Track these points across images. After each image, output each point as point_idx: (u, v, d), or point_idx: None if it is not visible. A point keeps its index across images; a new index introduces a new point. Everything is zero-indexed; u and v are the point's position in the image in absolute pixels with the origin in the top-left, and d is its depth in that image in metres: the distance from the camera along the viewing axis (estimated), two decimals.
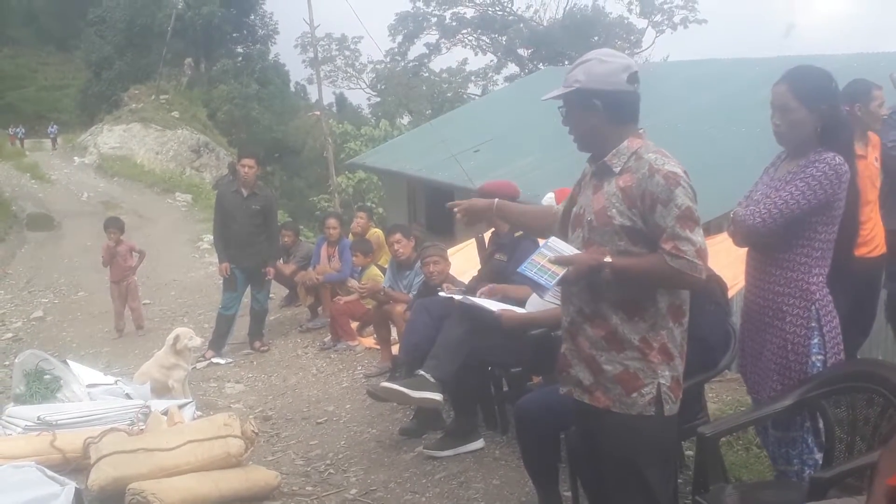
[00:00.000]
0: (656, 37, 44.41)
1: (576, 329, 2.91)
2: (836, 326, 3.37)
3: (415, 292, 6.98)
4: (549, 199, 4.98)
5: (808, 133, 3.34)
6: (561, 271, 2.77)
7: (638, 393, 2.77)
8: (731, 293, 5.00)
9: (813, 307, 3.32)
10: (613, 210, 2.77)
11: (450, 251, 7.30)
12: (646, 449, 2.82)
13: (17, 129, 42.80)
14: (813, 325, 3.32)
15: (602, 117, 2.82)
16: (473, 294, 5.26)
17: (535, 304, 4.92)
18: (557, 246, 2.85)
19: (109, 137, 32.01)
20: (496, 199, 3.44)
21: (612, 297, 2.78)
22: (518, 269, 2.85)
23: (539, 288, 2.81)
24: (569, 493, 4.08)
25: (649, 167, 2.71)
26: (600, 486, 3.05)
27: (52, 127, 42.31)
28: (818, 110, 3.31)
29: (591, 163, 2.96)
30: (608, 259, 2.72)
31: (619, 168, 2.80)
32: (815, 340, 3.33)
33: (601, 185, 2.86)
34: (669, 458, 2.99)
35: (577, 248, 2.85)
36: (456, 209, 3.49)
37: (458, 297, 5.20)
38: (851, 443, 3.20)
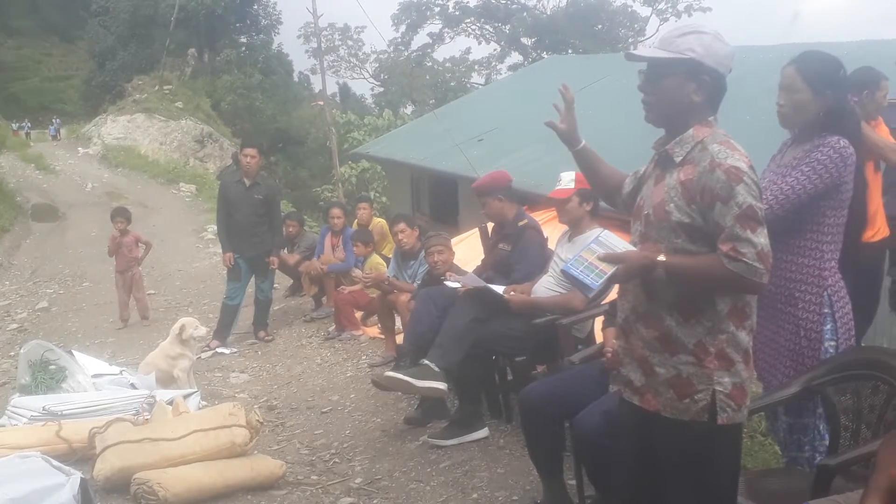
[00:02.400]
0: (660, 25, 44.31)
1: (629, 327, 2.73)
2: (848, 312, 3.37)
3: (419, 282, 6.97)
4: (568, 174, 4.91)
5: (810, 116, 3.33)
6: (609, 269, 2.60)
7: (690, 399, 2.57)
8: None
9: (825, 293, 3.32)
10: (672, 205, 2.58)
11: (453, 241, 7.29)
12: (700, 458, 2.61)
13: (23, 124, 42.71)
14: (826, 311, 3.32)
15: (703, 96, 2.63)
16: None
17: (541, 294, 4.92)
18: (610, 241, 2.68)
19: (113, 128, 32.02)
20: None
21: (667, 297, 2.60)
22: (563, 268, 2.66)
23: (585, 287, 2.65)
24: (573, 482, 4.08)
25: (711, 160, 2.51)
26: (644, 491, 2.83)
27: (54, 124, 41.85)
28: (823, 95, 3.30)
29: (657, 148, 2.76)
30: (661, 258, 2.53)
31: (680, 158, 2.62)
32: (828, 326, 3.33)
33: (663, 176, 2.67)
34: (732, 470, 2.73)
35: (633, 243, 2.71)
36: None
37: (462, 282, 5.19)
38: (857, 430, 3.20)
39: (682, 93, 2.62)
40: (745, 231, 2.45)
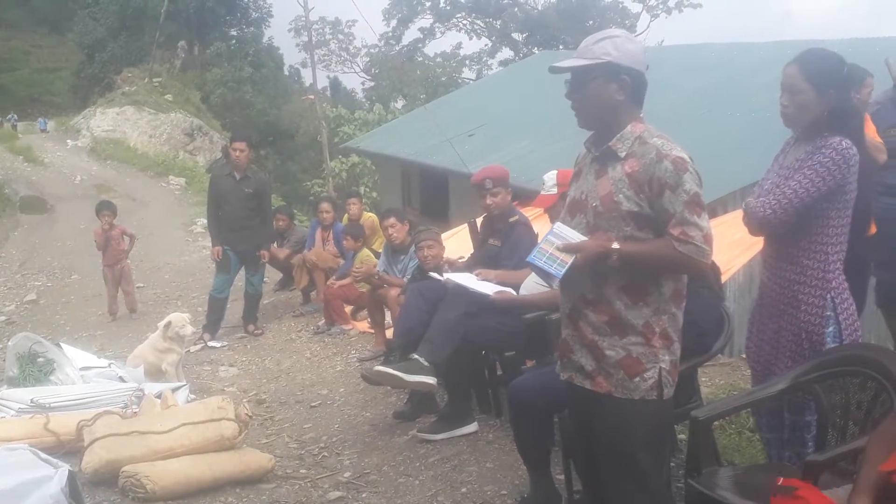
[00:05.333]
0: (651, 21, 44.40)
1: (578, 315, 2.89)
2: (852, 314, 3.37)
3: (409, 276, 6.97)
4: (550, 177, 4.93)
5: (815, 116, 3.32)
6: (569, 259, 2.74)
7: (640, 377, 2.78)
8: (724, 278, 5.00)
9: (828, 295, 3.32)
10: (621, 196, 2.75)
11: (443, 235, 7.28)
12: (643, 433, 2.83)
13: (11, 116, 42.47)
14: (828, 313, 3.32)
15: (626, 94, 2.81)
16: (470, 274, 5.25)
17: (530, 287, 4.92)
18: (563, 232, 2.81)
19: (102, 120, 31.86)
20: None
21: (618, 282, 2.77)
22: (527, 259, 2.81)
23: (549, 277, 2.79)
24: (562, 476, 4.09)
25: (657, 152, 2.71)
26: (595, 472, 3.05)
27: (43, 120, 41.38)
28: (827, 94, 3.29)
29: (592, 147, 2.93)
30: (616, 245, 2.71)
31: (624, 153, 2.79)
32: (831, 329, 3.33)
33: (604, 170, 2.84)
34: (664, 442, 3.01)
35: (581, 234, 2.82)
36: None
37: (449, 277, 5.19)
38: (844, 427, 3.21)
39: (606, 94, 2.81)
40: (692, 216, 2.67)
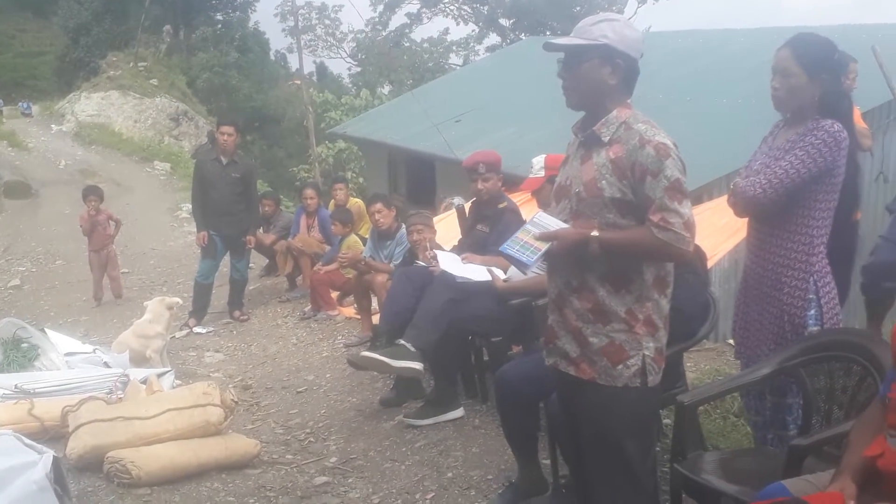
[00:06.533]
0: (638, 7, 44.21)
1: (563, 301, 2.88)
2: (834, 297, 3.40)
3: (397, 261, 6.96)
4: (538, 160, 4.93)
5: (806, 100, 3.33)
6: (544, 247, 2.74)
7: (623, 365, 2.77)
8: (709, 264, 5.02)
9: (811, 278, 3.34)
10: (604, 182, 2.73)
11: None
12: (628, 420, 2.83)
13: None
14: (811, 296, 3.35)
15: (618, 79, 2.78)
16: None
17: (517, 273, 4.92)
18: (544, 221, 2.80)
19: (87, 105, 31.56)
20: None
21: (599, 269, 2.76)
22: (500, 248, 2.81)
23: (521, 265, 2.80)
24: (548, 461, 4.10)
25: (640, 138, 2.69)
26: (580, 459, 3.05)
27: (26, 103, 40.93)
28: (819, 78, 3.30)
29: (578, 132, 2.92)
30: (595, 233, 2.69)
31: (607, 138, 2.77)
32: (812, 312, 3.35)
33: (590, 155, 2.82)
34: (650, 429, 3.00)
35: (563, 220, 2.82)
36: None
37: (441, 266, 5.18)
38: (829, 411, 3.23)
39: (598, 76, 2.79)
40: (672, 202, 2.64)
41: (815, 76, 3.30)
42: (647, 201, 2.67)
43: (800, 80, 3.31)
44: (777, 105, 3.45)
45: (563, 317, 2.89)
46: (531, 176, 4.90)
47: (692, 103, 13.06)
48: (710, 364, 5.71)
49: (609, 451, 2.85)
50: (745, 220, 3.60)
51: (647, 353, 2.78)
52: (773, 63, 3.39)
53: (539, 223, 2.79)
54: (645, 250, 2.71)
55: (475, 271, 5.03)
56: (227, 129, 8.59)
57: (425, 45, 47.54)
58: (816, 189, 3.30)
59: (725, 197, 3.56)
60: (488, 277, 4.90)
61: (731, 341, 4.84)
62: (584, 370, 2.84)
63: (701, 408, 3.94)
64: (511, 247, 2.77)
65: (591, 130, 2.82)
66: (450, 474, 4.52)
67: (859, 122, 5.14)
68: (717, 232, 6.52)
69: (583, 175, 2.81)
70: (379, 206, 7.43)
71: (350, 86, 46.58)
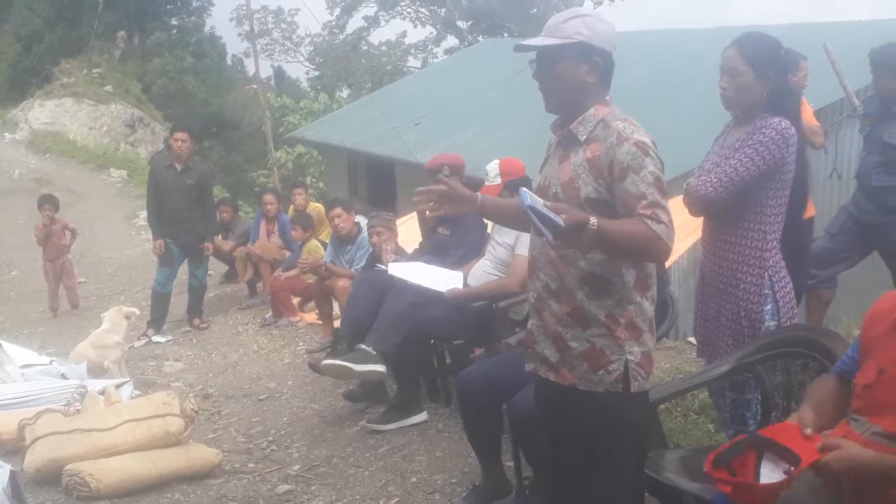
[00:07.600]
0: (595, 8, 44.57)
1: (542, 305, 2.81)
2: (789, 292, 3.44)
3: (359, 266, 6.94)
4: (493, 167, 4.95)
5: (755, 98, 3.38)
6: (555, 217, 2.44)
7: (605, 370, 2.68)
8: (668, 262, 5.05)
9: (766, 274, 3.38)
10: (580, 181, 2.66)
11: None
12: (613, 427, 2.72)
13: None
14: (766, 291, 3.39)
15: (597, 76, 2.70)
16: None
17: (478, 277, 4.93)
18: (534, 196, 2.56)
19: (41, 113, 31.09)
20: (480, 195, 2.87)
21: (578, 272, 2.67)
22: (529, 204, 2.41)
23: (553, 224, 2.40)
24: (511, 464, 4.10)
25: (617, 136, 2.60)
26: (563, 467, 2.93)
27: None
28: (766, 76, 3.35)
29: (556, 131, 2.85)
30: (593, 220, 2.49)
31: (584, 136, 2.69)
32: (769, 307, 3.39)
33: (567, 155, 2.75)
34: (641, 436, 2.87)
35: None
36: (425, 192, 2.83)
37: (396, 272, 5.17)
38: (787, 406, 3.27)
39: (576, 75, 2.70)
40: (662, 198, 2.57)
41: (762, 73, 3.34)
42: (628, 198, 2.56)
43: (747, 78, 3.35)
44: (726, 104, 3.50)
45: (543, 321, 2.81)
46: (487, 184, 4.90)
47: (649, 103, 13.17)
48: (670, 362, 5.75)
49: (595, 460, 2.75)
50: (701, 218, 3.63)
51: (630, 357, 2.68)
52: (720, 63, 3.44)
53: (534, 197, 2.50)
54: (638, 242, 2.56)
55: (434, 276, 5.02)
56: (180, 135, 8.50)
57: (383, 48, 47.47)
58: (767, 186, 3.34)
59: (682, 195, 3.59)
60: (442, 290, 4.89)
61: (693, 339, 4.90)
62: (563, 376, 2.76)
63: (662, 406, 3.97)
64: (537, 201, 2.45)
65: (568, 129, 2.75)
66: (414, 479, 4.51)
67: (812, 121, 5.21)
68: (675, 231, 6.57)
69: (560, 175, 2.75)
70: (338, 210, 7.41)
71: (308, 90, 46.31)
